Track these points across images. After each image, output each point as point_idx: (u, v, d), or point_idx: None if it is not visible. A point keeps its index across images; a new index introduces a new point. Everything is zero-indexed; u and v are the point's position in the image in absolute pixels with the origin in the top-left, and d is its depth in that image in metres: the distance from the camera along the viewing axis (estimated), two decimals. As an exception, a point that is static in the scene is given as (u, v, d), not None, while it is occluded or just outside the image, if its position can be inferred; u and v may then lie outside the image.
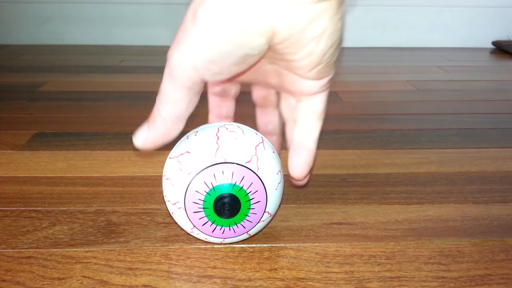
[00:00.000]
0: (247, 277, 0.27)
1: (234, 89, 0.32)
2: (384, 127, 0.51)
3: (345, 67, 0.80)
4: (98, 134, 0.48)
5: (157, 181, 0.38)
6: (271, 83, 0.29)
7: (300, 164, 0.27)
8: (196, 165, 0.26)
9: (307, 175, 0.29)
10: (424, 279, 0.26)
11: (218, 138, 0.27)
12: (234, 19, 0.20)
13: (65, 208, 0.33)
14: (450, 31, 1.00)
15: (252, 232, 0.28)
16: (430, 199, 0.35)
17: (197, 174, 0.26)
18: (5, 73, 0.73)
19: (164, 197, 0.28)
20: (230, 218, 0.27)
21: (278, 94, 0.31)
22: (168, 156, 0.28)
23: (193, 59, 0.22)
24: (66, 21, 0.96)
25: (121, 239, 0.30)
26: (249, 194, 0.26)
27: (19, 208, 0.33)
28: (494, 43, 0.99)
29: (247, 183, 0.26)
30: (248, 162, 0.26)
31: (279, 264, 0.28)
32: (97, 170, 0.39)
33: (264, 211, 0.27)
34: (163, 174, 0.28)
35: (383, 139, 0.47)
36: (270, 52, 0.24)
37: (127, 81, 0.69)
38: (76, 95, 0.61)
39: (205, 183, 0.26)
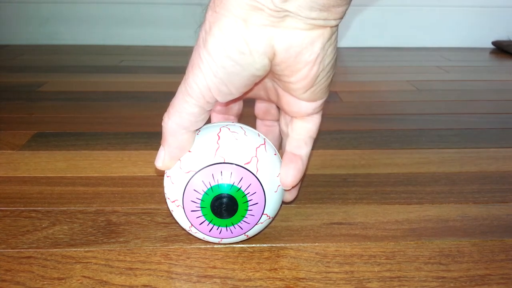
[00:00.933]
0: (247, 277, 0.26)
1: (237, 106, 0.33)
2: (384, 127, 0.51)
3: (345, 67, 0.80)
4: (98, 134, 0.48)
5: (157, 181, 0.38)
6: (273, 99, 0.30)
7: (290, 173, 0.27)
8: (196, 164, 0.26)
9: (295, 186, 0.29)
10: (424, 279, 0.26)
11: (219, 138, 0.27)
12: (239, 44, 0.23)
13: (65, 208, 0.33)
14: (450, 31, 1.00)
15: (250, 233, 0.28)
16: (430, 199, 0.35)
17: (196, 173, 0.26)
18: (5, 73, 0.73)
19: (165, 194, 0.28)
20: (227, 218, 0.27)
21: (278, 109, 0.31)
22: None
23: (207, 81, 0.24)
24: (66, 21, 0.96)
25: (121, 239, 0.30)
26: (247, 196, 0.26)
27: (19, 208, 0.33)
28: (494, 43, 0.99)
29: (245, 184, 0.26)
30: (248, 163, 0.26)
31: (279, 264, 0.28)
32: (97, 170, 0.39)
33: (263, 213, 0.27)
34: (165, 172, 0.28)
35: (383, 139, 0.47)
36: (271, 72, 0.26)
37: (127, 81, 0.69)
38: (76, 95, 0.61)
39: (204, 182, 0.26)
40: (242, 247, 0.29)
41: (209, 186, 0.26)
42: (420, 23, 0.99)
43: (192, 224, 0.27)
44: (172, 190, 0.27)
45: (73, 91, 0.63)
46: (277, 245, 0.29)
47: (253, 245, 0.29)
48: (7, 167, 0.40)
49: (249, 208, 0.27)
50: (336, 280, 0.26)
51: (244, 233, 0.28)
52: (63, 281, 0.26)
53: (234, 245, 0.29)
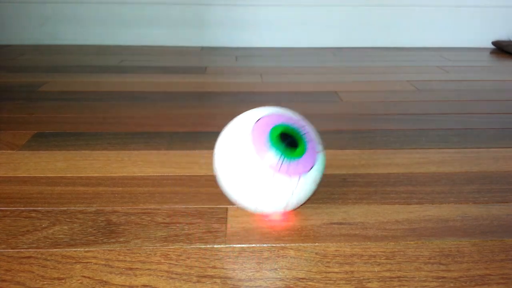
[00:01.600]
0: (247, 277, 0.27)
1: None
2: (384, 127, 0.51)
3: (345, 67, 0.80)
4: (98, 134, 0.48)
5: (157, 181, 0.38)
6: None
7: None
8: (262, 114, 0.30)
9: None
10: (424, 279, 0.26)
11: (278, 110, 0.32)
12: None
13: (65, 208, 0.33)
14: (450, 31, 1.00)
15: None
16: (430, 199, 0.35)
17: (263, 117, 0.30)
18: (5, 73, 0.73)
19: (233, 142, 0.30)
20: (292, 148, 0.29)
21: None
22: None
23: None
24: (66, 22, 0.96)
25: (121, 239, 0.30)
26: (305, 135, 0.30)
27: (19, 208, 0.33)
28: (494, 43, 0.99)
29: (304, 130, 0.31)
30: (302, 122, 0.30)
31: (279, 264, 0.28)
32: (97, 170, 0.39)
33: (314, 162, 0.30)
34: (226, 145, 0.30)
35: (383, 139, 0.47)
36: None
37: (127, 81, 0.69)
38: (76, 95, 0.61)
39: (270, 123, 0.29)
40: (242, 247, 0.29)
41: (276, 123, 0.30)
42: (420, 23, 0.99)
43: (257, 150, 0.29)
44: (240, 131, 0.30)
45: (73, 91, 0.63)
46: (277, 245, 0.29)
47: (253, 245, 0.29)
48: (7, 167, 0.40)
49: (307, 148, 0.30)
50: (336, 280, 0.26)
51: (301, 174, 0.29)
52: (63, 281, 0.26)
53: (234, 245, 0.29)
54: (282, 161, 0.29)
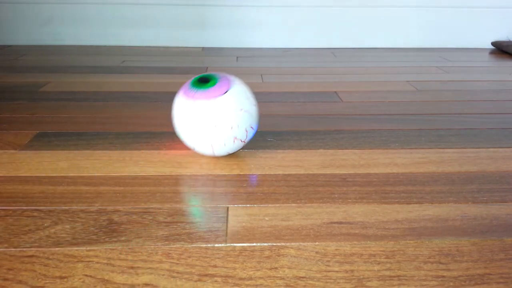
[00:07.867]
0: (247, 276, 0.27)
1: None
2: (383, 127, 0.51)
3: (345, 67, 0.80)
4: (100, 134, 0.48)
5: (158, 180, 0.38)
6: None
7: None
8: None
9: None
10: (423, 278, 0.27)
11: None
12: None
13: (67, 208, 0.34)
14: (450, 32, 1.00)
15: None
16: (430, 198, 0.36)
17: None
18: (7, 73, 0.73)
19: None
20: (203, 83, 0.39)
21: None
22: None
23: None
24: (67, 22, 0.96)
25: (123, 238, 0.30)
26: (219, 75, 0.40)
27: (21, 208, 0.33)
28: (493, 43, 1.00)
29: (220, 74, 0.41)
30: (224, 74, 0.41)
31: (279, 263, 0.28)
32: (98, 169, 0.40)
33: (229, 86, 0.39)
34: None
35: (383, 139, 0.48)
36: None
37: (129, 81, 0.69)
38: (78, 95, 0.61)
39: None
40: (243, 246, 0.29)
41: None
42: (420, 23, 0.99)
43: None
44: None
45: (75, 91, 0.63)
46: (278, 244, 0.30)
47: (254, 244, 0.30)
48: (9, 166, 0.40)
49: (218, 81, 0.39)
50: (336, 279, 0.27)
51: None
52: (65, 279, 0.26)
53: (235, 244, 0.30)
54: (195, 91, 0.38)
